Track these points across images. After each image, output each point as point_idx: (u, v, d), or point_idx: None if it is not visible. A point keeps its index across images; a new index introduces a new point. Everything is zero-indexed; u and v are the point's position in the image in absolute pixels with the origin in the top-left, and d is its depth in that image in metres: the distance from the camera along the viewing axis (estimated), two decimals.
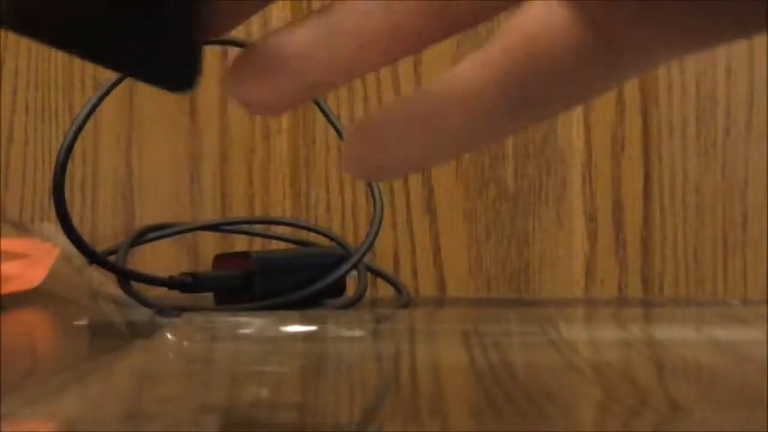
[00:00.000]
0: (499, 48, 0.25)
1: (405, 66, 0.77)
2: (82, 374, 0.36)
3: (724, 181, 0.77)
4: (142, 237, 0.68)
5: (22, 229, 0.59)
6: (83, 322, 0.48)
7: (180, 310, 0.56)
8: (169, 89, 0.25)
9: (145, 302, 0.57)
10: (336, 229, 0.75)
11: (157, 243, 0.72)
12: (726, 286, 0.77)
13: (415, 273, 0.77)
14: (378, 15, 0.24)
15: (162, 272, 0.64)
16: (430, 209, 0.77)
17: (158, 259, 0.75)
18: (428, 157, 0.26)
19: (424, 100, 0.26)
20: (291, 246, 0.72)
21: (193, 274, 0.62)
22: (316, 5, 0.76)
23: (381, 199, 0.65)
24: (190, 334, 0.48)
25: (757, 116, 0.77)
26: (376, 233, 0.64)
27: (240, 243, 0.75)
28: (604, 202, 0.77)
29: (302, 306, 0.61)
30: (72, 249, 0.53)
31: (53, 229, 0.52)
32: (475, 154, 0.77)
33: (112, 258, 0.64)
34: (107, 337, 0.46)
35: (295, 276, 0.63)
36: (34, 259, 0.55)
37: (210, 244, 0.75)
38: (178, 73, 0.25)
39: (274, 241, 0.73)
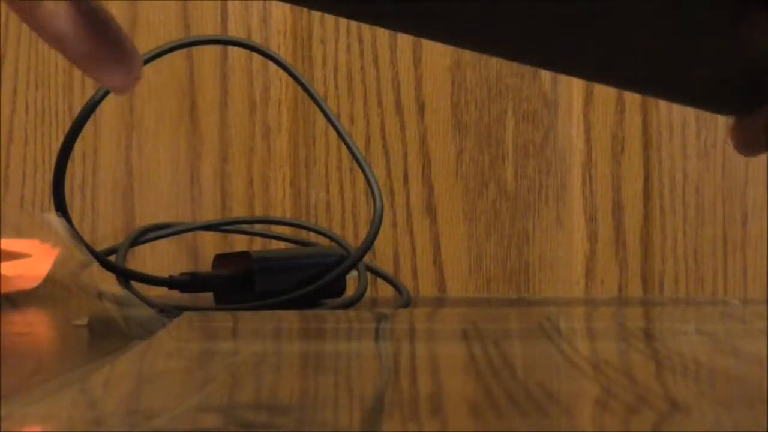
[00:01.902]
0: None
1: (405, 65, 0.77)
2: (82, 374, 0.36)
3: (724, 181, 0.77)
4: (142, 237, 0.68)
5: (25, 214, 0.59)
6: (83, 321, 0.48)
7: (180, 310, 0.57)
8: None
9: (145, 302, 0.57)
10: (336, 229, 0.75)
11: (157, 243, 0.72)
12: (726, 286, 0.77)
13: (415, 273, 0.77)
14: None
15: (162, 272, 0.64)
16: (430, 209, 0.77)
17: (158, 259, 0.75)
18: None
19: None
20: (291, 246, 0.72)
21: (193, 274, 0.62)
22: None
23: (381, 199, 0.65)
24: (190, 334, 0.48)
25: None
26: (376, 233, 0.64)
27: (240, 243, 0.75)
28: (604, 202, 0.77)
29: (302, 306, 0.61)
30: (74, 243, 0.53)
31: (56, 219, 0.52)
32: (475, 154, 0.77)
33: (112, 258, 0.64)
34: (107, 337, 0.46)
35: (295, 276, 0.63)
36: (34, 259, 0.55)
37: (210, 244, 0.75)
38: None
39: (274, 241, 0.73)
